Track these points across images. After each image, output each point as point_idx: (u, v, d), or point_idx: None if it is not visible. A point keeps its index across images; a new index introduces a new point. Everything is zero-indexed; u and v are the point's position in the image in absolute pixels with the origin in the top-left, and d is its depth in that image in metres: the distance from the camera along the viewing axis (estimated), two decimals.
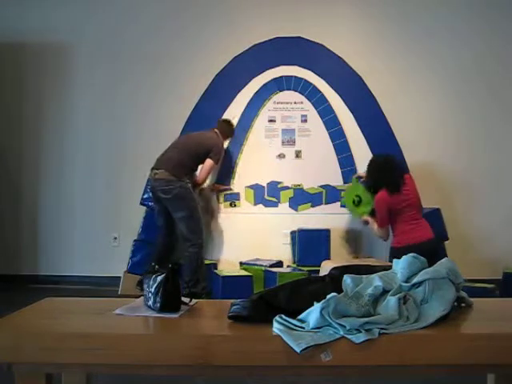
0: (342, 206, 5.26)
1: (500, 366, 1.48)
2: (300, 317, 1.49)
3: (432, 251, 3.78)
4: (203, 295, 4.39)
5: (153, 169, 4.63)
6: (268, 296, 1.59)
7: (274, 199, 5.32)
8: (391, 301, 1.50)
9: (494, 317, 1.64)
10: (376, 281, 1.59)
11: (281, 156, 5.35)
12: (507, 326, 1.54)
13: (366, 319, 1.44)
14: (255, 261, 4.98)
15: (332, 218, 5.22)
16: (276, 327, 1.45)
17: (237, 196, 5.35)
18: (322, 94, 5.30)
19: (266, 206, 5.32)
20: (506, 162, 5.27)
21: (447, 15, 5.30)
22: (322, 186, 5.30)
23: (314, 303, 1.48)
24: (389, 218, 4.35)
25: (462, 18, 5.30)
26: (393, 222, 4.37)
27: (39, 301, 1.85)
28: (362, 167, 5.23)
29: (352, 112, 5.28)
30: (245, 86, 5.34)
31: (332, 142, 5.29)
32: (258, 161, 5.34)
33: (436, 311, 1.51)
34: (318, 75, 5.31)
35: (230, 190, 5.26)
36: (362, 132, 5.27)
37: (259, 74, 5.35)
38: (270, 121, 5.36)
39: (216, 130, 4.98)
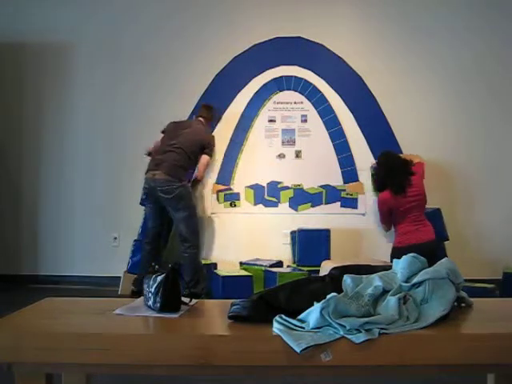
0: (342, 206, 5.26)
1: (500, 365, 1.48)
2: (300, 317, 1.49)
3: (432, 253, 3.79)
4: (202, 295, 4.39)
5: (149, 170, 4.64)
6: (268, 296, 1.59)
7: (273, 199, 5.32)
8: (391, 301, 1.50)
9: (494, 317, 1.64)
10: (376, 281, 1.59)
11: (281, 156, 5.35)
12: (507, 326, 1.54)
13: (366, 319, 1.44)
14: (255, 261, 4.98)
15: (332, 218, 5.22)
16: (276, 327, 1.45)
17: (237, 196, 5.35)
18: (322, 94, 5.30)
19: (265, 206, 5.32)
20: (506, 161, 5.27)
21: (447, 15, 5.30)
22: (321, 186, 5.30)
23: (314, 303, 1.48)
24: (390, 217, 4.37)
25: (462, 18, 5.29)
26: (396, 222, 4.38)
27: (39, 301, 1.85)
28: (362, 167, 5.26)
29: (352, 112, 5.28)
30: (245, 86, 5.35)
31: (332, 142, 5.29)
32: (258, 161, 5.34)
33: (436, 311, 1.51)
34: (318, 75, 5.31)
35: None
36: (362, 132, 5.27)
37: (259, 74, 5.35)
38: (270, 121, 5.36)
39: (200, 118, 5.02)
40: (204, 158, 4.88)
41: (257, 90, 5.34)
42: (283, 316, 1.49)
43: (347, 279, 1.60)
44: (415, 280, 1.58)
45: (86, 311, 1.73)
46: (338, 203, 5.28)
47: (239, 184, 5.34)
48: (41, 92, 5.53)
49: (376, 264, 1.84)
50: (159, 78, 5.41)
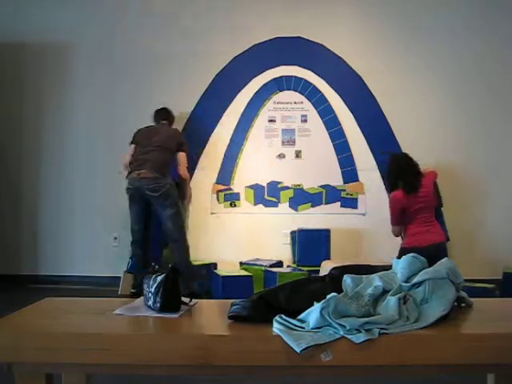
0: (342, 206, 5.27)
1: (500, 365, 1.48)
2: (300, 317, 1.49)
3: (439, 255, 3.80)
4: (203, 294, 4.39)
5: (133, 171, 4.63)
6: (268, 296, 1.59)
7: (274, 199, 5.32)
8: (391, 301, 1.50)
9: (494, 317, 1.64)
10: (376, 281, 1.59)
11: (281, 156, 5.35)
12: (507, 326, 1.54)
13: (366, 319, 1.44)
14: (255, 261, 4.98)
15: (332, 218, 5.22)
16: (276, 327, 1.45)
17: (237, 196, 5.35)
18: (322, 94, 5.31)
19: (265, 206, 5.33)
20: (506, 161, 5.27)
21: (447, 15, 5.30)
22: (322, 186, 5.30)
23: (314, 303, 1.48)
24: (401, 217, 4.37)
25: (462, 17, 5.29)
26: (406, 223, 4.38)
27: (39, 301, 1.85)
28: (362, 167, 5.26)
29: (352, 112, 5.28)
30: (245, 86, 5.35)
31: (332, 142, 5.29)
32: (258, 161, 5.34)
33: (436, 311, 1.51)
34: (318, 75, 5.31)
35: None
36: (362, 132, 5.27)
37: (259, 74, 5.35)
38: (270, 121, 5.36)
39: (163, 121, 4.99)
40: (182, 155, 4.82)
41: (257, 90, 5.35)
42: (283, 316, 1.49)
43: (347, 279, 1.60)
44: (415, 280, 1.58)
45: (86, 311, 1.73)
46: (338, 203, 5.28)
47: (239, 184, 5.34)
48: (41, 92, 5.53)
49: (376, 264, 1.84)
50: (159, 78, 5.41)
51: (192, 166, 5.31)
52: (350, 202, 5.28)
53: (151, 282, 1.70)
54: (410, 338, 1.42)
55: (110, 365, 1.47)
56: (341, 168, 5.29)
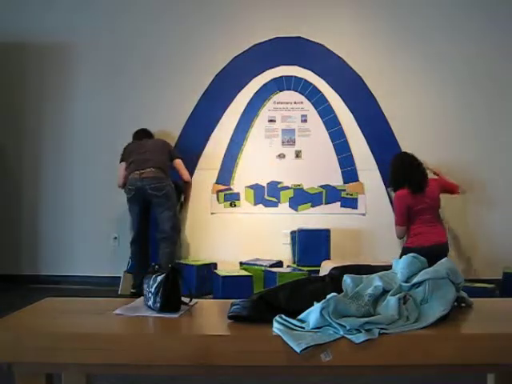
0: (342, 206, 5.26)
1: (500, 365, 1.48)
2: (300, 317, 1.49)
3: (442, 255, 3.82)
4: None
5: (134, 171, 4.65)
6: (268, 296, 1.59)
7: (274, 199, 5.32)
8: (391, 301, 1.50)
9: (494, 317, 1.64)
10: (376, 281, 1.59)
11: (281, 156, 5.35)
12: (507, 326, 1.54)
13: (366, 319, 1.44)
14: (255, 261, 4.98)
15: (332, 218, 5.22)
16: (276, 327, 1.45)
17: (237, 196, 5.35)
18: (322, 94, 5.31)
19: (265, 206, 5.33)
20: (506, 161, 5.27)
21: (447, 15, 5.29)
22: (321, 186, 5.30)
23: (314, 303, 1.48)
24: (406, 217, 4.37)
25: (463, 16, 5.28)
26: (409, 223, 4.39)
27: (39, 301, 1.85)
28: (362, 167, 5.26)
29: (352, 112, 5.28)
30: (245, 85, 5.35)
31: (332, 142, 5.29)
32: (258, 161, 5.34)
33: (436, 311, 1.51)
34: (318, 75, 5.31)
35: None
36: (362, 132, 5.27)
37: (259, 74, 5.35)
38: (270, 121, 5.36)
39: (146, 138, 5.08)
40: (179, 162, 4.98)
41: (257, 90, 5.35)
42: (283, 316, 1.49)
43: (347, 279, 1.61)
44: (415, 280, 1.58)
45: (86, 311, 1.73)
46: (338, 203, 5.28)
47: (239, 184, 5.34)
48: (41, 92, 5.53)
49: (376, 264, 1.84)
50: (159, 77, 5.41)
51: (192, 166, 5.32)
52: (350, 202, 5.28)
53: (151, 282, 1.70)
54: (410, 338, 1.42)
55: (110, 365, 1.47)
56: (341, 168, 5.29)
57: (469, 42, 5.28)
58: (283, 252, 5.19)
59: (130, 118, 5.42)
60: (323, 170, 5.29)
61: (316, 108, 5.32)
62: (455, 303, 1.61)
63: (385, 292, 1.56)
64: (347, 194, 5.28)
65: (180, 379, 2.38)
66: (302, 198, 5.31)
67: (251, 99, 5.35)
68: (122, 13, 5.48)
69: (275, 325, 1.46)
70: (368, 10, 5.36)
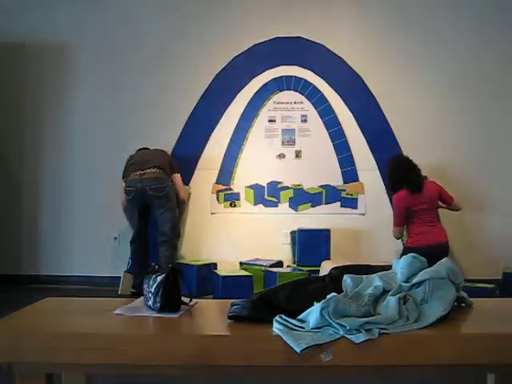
0: (342, 206, 5.27)
1: (500, 366, 1.48)
2: (300, 317, 1.49)
3: (443, 255, 3.84)
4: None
5: (134, 171, 4.63)
6: (268, 296, 1.59)
7: (274, 199, 5.32)
8: (391, 301, 1.51)
9: (494, 317, 1.64)
10: (376, 281, 1.59)
11: (281, 156, 5.35)
12: (507, 326, 1.54)
13: (366, 319, 1.44)
14: (255, 261, 4.98)
15: (332, 218, 5.22)
16: (276, 327, 1.45)
17: (237, 196, 5.35)
18: (322, 94, 5.30)
19: (265, 206, 5.33)
20: (506, 161, 5.27)
21: (447, 15, 5.29)
22: (321, 186, 5.30)
23: (314, 303, 1.48)
24: (405, 217, 4.41)
25: (463, 17, 5.28)
26: (409, 223, 4.43)
27: (39, 301, 1.85)
28: (362, 167, 5.26)
29: (352, 112, 5.28)
30: (245, 85, 5.35)
31: (332, 142, 5.29)
32: (258, 161, 5.34)
33: (436, 311, 1.51)
34: (318, 75, 5.31)
35: None
36: (362, 132, 5.27)
37: (259, 74, 5.35)
38: (270, 121, 5.36)
39: None
40: (178, 176, 4.89)
41: (257, 89, 5.34)
42: (283, 316, 1.49)
43: (347, 279, 1.61)
44: (415, 280, 1.58)
45: (86, 311, 1.73)
46: (338, 203, 5.28)
47: (239, 184, 5.34)
48: (40, 92, 5.53)
49: (376, 264, 1.84)
50: (159, 78, 5.41)
51: (192, 167, 5.32)
52: (350, 202, 5.28)
53: (151, 282, 1.70)
54: (410, 338, 1.42)
55: (110, 365, 1.47)
56: (341, 168, 5.29)
57: (469, 41, 5.27)
58: (283, 252, 5.19)
59: (129, 118, 5.43)
60: (323, 170, 5.29)
61: (316, 108, 5.32)
62: (455, 303, 1.61)
63: (385, 292, 1.56)
64: (347, 194, 5.28)
65: (180, 379, 2.37)
66: (302, 197, 5.31)
67: (251, 99, 5.34)
68: (122, 13, 5.47)
69: (275, 325, 1.46)
70: (368, 10, 5.36)
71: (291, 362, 1.39)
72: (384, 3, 5.35)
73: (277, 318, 1.48)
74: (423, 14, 5.32)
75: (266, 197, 5.33)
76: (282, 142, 5.35)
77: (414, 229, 4.41)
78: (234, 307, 1.58)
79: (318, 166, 5.30)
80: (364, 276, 1.62)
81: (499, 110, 5.29)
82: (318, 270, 4.51)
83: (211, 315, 1.77)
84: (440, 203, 4.61)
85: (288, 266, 5.05)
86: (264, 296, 1.59)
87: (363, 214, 5.26)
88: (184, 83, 5.36)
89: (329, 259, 4.78)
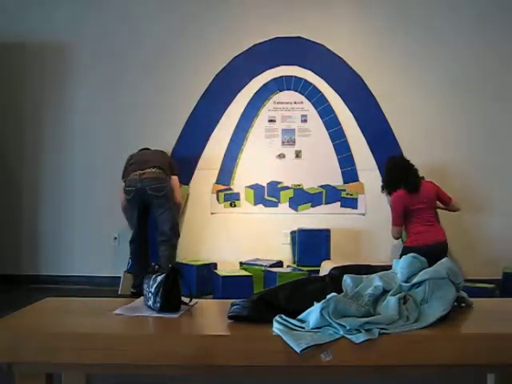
0: (342, 206, 5.27)
1: (500, 366, 1.48)
2: (300, 317, 1.49)
3: (442, 254, 3.86)
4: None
5: (133, 171, 4.62)
6: (268, 296, 1.59)
7: (274, 199, 5.32)
8: (391, 301, 1.50)
9: (494, 317, 1.64)
10: (376, 281, 1.59)
11: (281, 156, 5.35)
12: (507, 326, 1.54)
13: (366, 319, 1.44)
14: (255, 261, 4.98)
15: (332, 218, 5.22)
16: (276, 327, 1.45)
17: (237, 196, 5.35)
18: (322, 94, 5.30)
19: (265, 206, 5.33)
20: (506, 161, 5.27)
21: (447, 15, 5.29)
22: (321, 186, 5.30)
23: (314, 303, 1.48)
24: (403, 217, 4.42)
25: (463, 16, 5.28)
26: (408, 223, 4.44)
27: (39, 301, 1.85)
28: (362, 167, 5.26)
29: (352, 112, 5.28)
30: (245, 85, 5.35)
31: (332, 142, 5.29)
32: (258, 161, 5.34)
33: (436, 311, 1.51)
34: (318, 75, 5.31)
35: None
36: (362, 132, 5.27)
37: (259, 74, 5.35)
38: (270, 121, 5.36)
39: None
40: (176, 179, 4.86)
41: (257, 90, 5.34)
42: (283, 316, 1.49)
43: (347, 279, 1.61)
44: (415, 280, 1.58)
45: (86, 311, 1.73)
46: (338, 203, 5.28)
47: (239, 184, 5.34)
48: (40, 92, 5.53)
49: (376, 264, 1.84)
50: (159, 78, 5.41)
51: (192, 167, 5.32)
52: (350, 202, 5.28)
53: (151, 282, 1.70)
54: (410, 338, 1.42)
55: (110, 365, 1.47)
56: (341, 168, 5.29)
57: (469, 41, 5.27)
58: (283, 252, 5.19)
59: (129, 119, 5.43)
60: (323, 170, 5.29)
61: (316, 108, 5.32)
62: (455, 303, 1.61)
63: (385, 292, 1.56)
64: (347, 194, 5.28)
65: (180, 379, 2.37)
66: (302, 198, 5.31)
67: (251, 99, 5.34)
68: (122, 13, 5.47)
69: (275, 325, 1.46)
70: (368, 10, 5.36)
71: (291, 362, 1.39)
72: (384, 3, 5.35)
73: (277, 318, 1.48)
74: (423, 14, 5.32)
75: (266, 197, 5.33)
76: (282, 142, 5.35)
77: (413, 228, 4.43)
78: (234, 307, 1.58)
79: (317, 165, 5.30)
80: (364, 276, 1.62)
81: (499, 110, 5.29)
82: (318, 270, 4.51)
83: (211, 315, 1.77)
84: (439, 204, 4.61)
85: (288, 266, 5.05)
86: (264, 296, 1.59)
87: (363, 214, 5.26)
88: (184, 83, 5.36)
89: (329, 259, 4.78)
